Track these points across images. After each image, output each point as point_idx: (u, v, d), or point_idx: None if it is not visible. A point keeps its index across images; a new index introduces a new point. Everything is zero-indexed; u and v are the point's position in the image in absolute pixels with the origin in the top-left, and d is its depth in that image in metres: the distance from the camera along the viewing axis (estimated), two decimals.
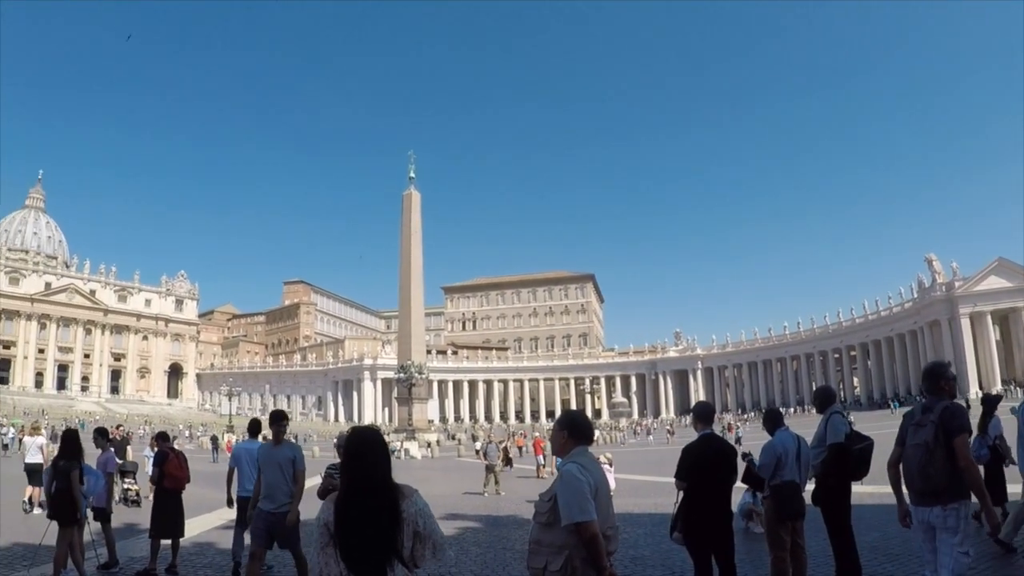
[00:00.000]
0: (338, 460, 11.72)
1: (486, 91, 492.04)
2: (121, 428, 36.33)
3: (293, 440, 74.36)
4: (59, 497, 14.54)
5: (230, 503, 16.28)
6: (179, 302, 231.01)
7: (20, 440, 62.82)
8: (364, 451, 5.54)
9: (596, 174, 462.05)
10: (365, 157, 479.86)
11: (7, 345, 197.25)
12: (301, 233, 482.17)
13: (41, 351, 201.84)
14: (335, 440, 10.90)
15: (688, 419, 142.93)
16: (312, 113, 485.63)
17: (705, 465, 10.63)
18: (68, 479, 14.49)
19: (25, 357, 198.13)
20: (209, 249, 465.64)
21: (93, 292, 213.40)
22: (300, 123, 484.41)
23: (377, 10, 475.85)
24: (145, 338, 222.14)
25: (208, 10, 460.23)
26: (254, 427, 17.42)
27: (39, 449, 29.26)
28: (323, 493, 12.05)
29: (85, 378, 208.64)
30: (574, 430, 7.10)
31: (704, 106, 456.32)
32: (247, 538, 14.24)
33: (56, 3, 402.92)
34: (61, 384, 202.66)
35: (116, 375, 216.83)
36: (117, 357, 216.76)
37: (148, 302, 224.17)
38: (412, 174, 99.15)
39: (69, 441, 15.28)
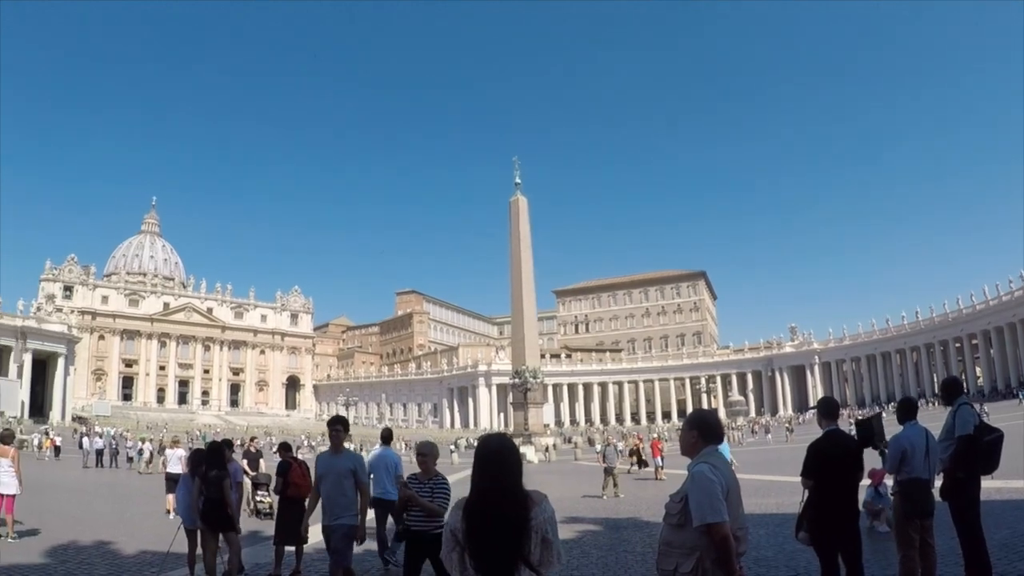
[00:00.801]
0: (419, 471, 12.17)
1: (589, 93, 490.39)
2: (256, 441, 36.87)
3: (404, 447, 74.68)
4: (211, 506, 15.18)
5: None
6: (294, 316, 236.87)
7: (143, 451, 64.67)
8: (494, 458, 5.55)
9: (702, 171, 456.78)
10: (471, 165, 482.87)
11: (129, 363, 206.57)
12: (410, 244, 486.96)
13: (162, 368, 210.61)
14: (416, 448, 10.39)
15: (805, 416, 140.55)
16: (417, 125, 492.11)
17: (831, 462, 10.40)
18: (220, 488, 14.99)
19: (147, 374, 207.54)
20: (322, 264, 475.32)
21: (210, 310, 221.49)
22: (405, 135, 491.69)
23: (477, 17, 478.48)
24: (262, 352, 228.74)
25: (305, 31, 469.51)
26: (386, 436, 20.26)
27: (179, 460, 30.93)
28: (401, 506, 11.94)
29: (205, 392, 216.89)
30: (704, 430, 7.04)
31: (812, 102, 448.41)
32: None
33: (159, 33, 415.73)
34: (182, 399, 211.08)
35: (235, 388, 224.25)
36: (236, 371, 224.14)
37: (264, 317, 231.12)
38: (518, 179, 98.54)
39: (216, 452, 16.12)
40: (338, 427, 12.88)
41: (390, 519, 18.03)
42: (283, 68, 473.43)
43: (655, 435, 68.33)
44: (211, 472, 15.28)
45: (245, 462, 29.80)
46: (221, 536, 15.59)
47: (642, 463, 54.18)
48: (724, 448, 19.77)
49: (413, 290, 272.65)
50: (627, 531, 23.54)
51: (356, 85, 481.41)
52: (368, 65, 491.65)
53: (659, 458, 47.88)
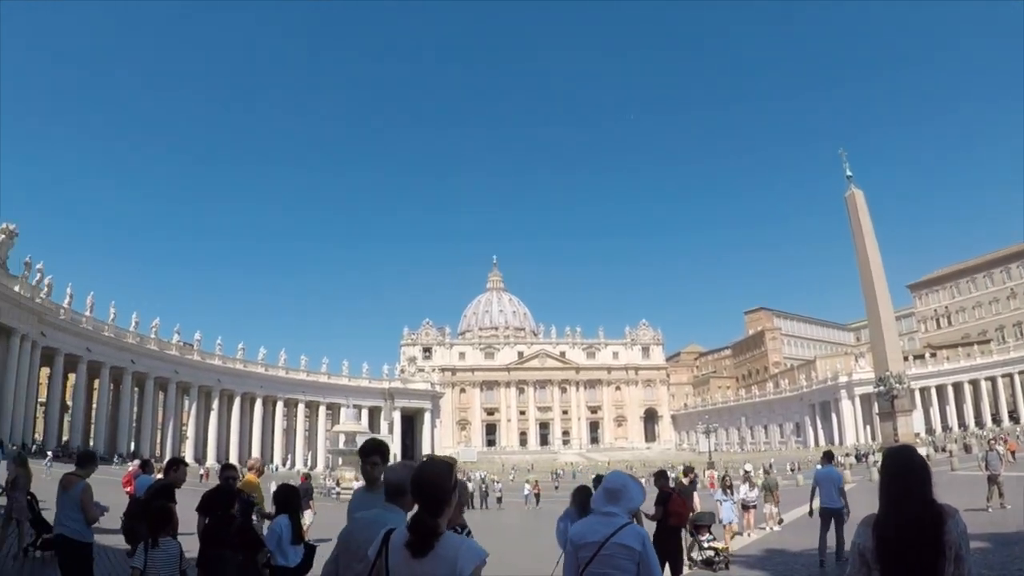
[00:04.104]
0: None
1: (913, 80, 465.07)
2: (693, 473, 33.61)
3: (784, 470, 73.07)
4: None
5: (811, 512, 22.96)
6: (645, 349, 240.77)
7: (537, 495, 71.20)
8: (904, 471, 5.43)
9: None
10: (792, 167, 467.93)
11: (490, 411, 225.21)
12: (751, 259, 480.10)
13: (522, 413, 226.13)
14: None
15: None
16: (737, 135, 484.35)
17: None
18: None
19: (508, 420, 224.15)
20: (665, 294, 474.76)
21: (563, 353, 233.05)
22: (726, 148, 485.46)
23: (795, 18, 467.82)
24: (617, 388, 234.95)
25: (612, 67, 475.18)
26: (828, 455, 24.86)
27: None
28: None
29: (565, 432, 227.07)
30: None
31: None
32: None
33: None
34: (543, 440, 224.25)
35: (594, 426, 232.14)
36: (593, 409, 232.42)
37: (615, 354, 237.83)
38: (848, 173, 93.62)
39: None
40: (375, 458, 9.53)
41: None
42: (591, 105, 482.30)
43: None
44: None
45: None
46: None
47: None
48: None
49: (761, 307, 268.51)
50: (1019, 546, 21.84)
51: (684, 105, 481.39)
52: (698, 86, 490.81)
53: None
